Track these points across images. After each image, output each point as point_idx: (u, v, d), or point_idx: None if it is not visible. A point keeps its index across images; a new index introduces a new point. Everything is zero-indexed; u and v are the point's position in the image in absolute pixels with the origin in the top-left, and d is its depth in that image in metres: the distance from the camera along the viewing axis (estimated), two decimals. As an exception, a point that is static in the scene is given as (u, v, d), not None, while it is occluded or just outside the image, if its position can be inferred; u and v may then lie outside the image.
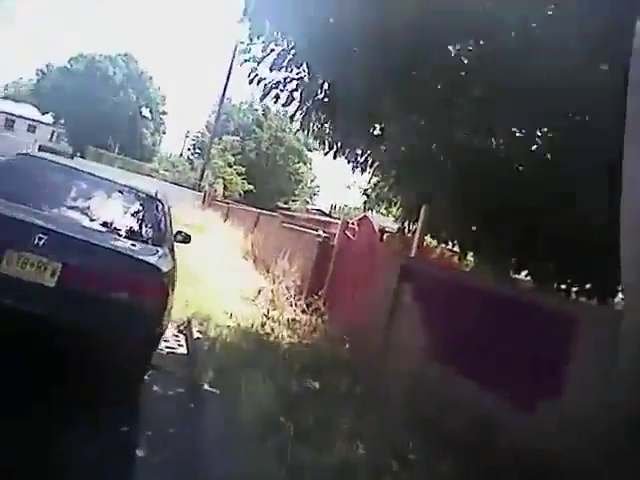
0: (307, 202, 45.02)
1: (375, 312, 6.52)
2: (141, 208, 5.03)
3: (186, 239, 6.09)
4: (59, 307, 3.65)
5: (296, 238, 11.33)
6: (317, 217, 19.30)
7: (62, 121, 48.02)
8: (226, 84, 35.12)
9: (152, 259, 4.16)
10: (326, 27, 5.35)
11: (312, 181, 46.76)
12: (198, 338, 6.21)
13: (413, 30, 4.63)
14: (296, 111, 7.25)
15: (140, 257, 4.07)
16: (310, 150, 45.58)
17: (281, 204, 35.12)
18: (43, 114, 47.93)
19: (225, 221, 19.38)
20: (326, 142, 7.67)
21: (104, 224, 4.45)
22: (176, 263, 4.78)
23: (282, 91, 7.09)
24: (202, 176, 34.13)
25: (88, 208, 4.61)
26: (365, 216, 10.17)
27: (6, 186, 4.36)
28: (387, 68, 5.23)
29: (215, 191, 30.95)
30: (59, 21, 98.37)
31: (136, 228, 4.72)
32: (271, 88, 7.10)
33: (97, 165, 35.06)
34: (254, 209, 18.50)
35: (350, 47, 5.45)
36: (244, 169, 36.74)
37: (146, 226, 4.85)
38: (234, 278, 9.76)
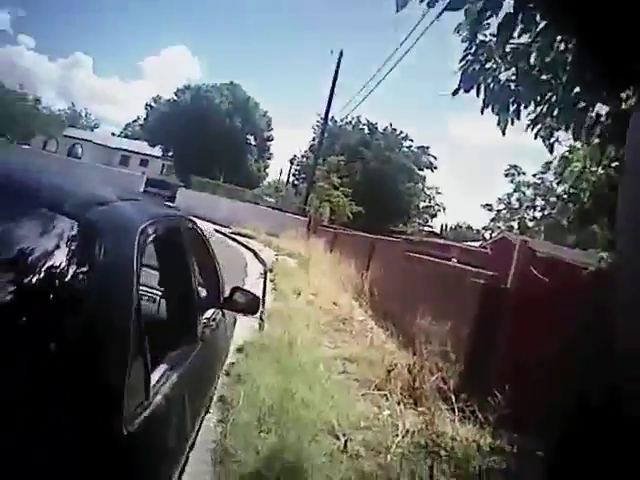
0: (420, 224, 40.85)
1: None
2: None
3: (250, 307, 2.91)
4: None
5: (432, 274, 7.63)
6: (449, 242, 15.37)
7: (170, 153, 48.41)
8: (329, 102, 32.58)
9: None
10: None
11: (428, 200, 42.37)
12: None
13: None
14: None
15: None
16: (421, 169, 41.64)
17: (394, 227, 31.49)
18: (152, 146, 48.65)
19: (331, 251, 16.06)
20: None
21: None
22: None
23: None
24: (307, 200, 31.55)
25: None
26: (504, 237, 6.37)
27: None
28: None
29: (321, 215, 28.06)
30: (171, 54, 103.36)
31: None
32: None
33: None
34: (366, 234, 14.96)
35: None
36: (351, 191, 33.58)
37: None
38: (345, 344, 6.29)
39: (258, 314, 3.84)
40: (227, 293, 3.00)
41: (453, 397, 4.74)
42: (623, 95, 3.59)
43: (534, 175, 29.58)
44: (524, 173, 30.36)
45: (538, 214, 29.69)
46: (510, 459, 3.81)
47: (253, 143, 50.69)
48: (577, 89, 3.85)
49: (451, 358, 5.24)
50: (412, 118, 73.46)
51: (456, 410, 4.59)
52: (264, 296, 7.93)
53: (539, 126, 4.36)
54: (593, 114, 4.22)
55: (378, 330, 7.72)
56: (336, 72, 31.62)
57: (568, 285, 5.10)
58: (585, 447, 3.71)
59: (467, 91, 4.18)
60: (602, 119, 4.24)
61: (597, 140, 4.56)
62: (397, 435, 3.95)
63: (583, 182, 5.72)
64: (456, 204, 75.45)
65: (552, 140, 4.67)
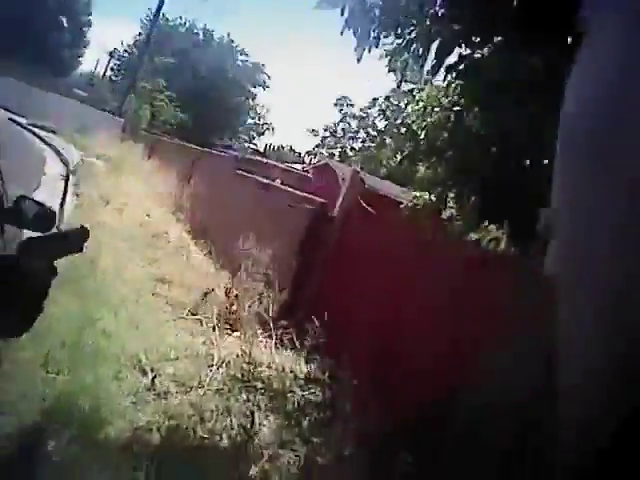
0: (246, 141, 40.10)
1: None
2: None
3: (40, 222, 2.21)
4: None
5: (258, 194, 7.30)
6: (273, 162, 15.15)
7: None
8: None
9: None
10: None
11: (257, 118, 41.30)
12: None
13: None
14: None
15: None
16: (254, 86, 40.36)
17: (219, 141, 30.39)
18: None
19: (149, 158, 14.73)
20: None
21: None
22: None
23: None
24: (125, 99, 28.57)
25: None
26: (327, 164, 6.48)
27: None
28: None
29: (140, 118, 25.69)
30: None
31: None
32: None
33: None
34: (190, 145, 13.94)
35: None
36: (177, 97, 31.18)
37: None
38: (158, 263, 5.72)
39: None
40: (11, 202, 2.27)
41: (272, 324, 4.58)
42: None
43: (361, 109, 30.73)
44: (352, 105, 31.32)
45: (359, 145, 31.12)
46: (326, 389, 3.78)
47: (65, 25, 43.66)
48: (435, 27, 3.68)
49: (273, 284, 5.05)
50: (253, 32, 69.82)
51: (274, 337, 4.44)
52: (63, 204, 6.83)
53: (395, 58, 4.18)
54: (455, 56, 4.12)
55: (196, 249, 7.21)
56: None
57: (394, 221, 5.16)
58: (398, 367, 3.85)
59: (329, 7, 3.80)
60: (462, 60, 4.16)
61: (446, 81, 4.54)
62: (212, 366, 3.65)
63: (424, 121, 5.74)
64: (282, 125, 75.55)
65: (403, 76, 4.55)
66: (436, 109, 5.06)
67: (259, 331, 4.71)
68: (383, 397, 3.49)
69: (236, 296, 4.99)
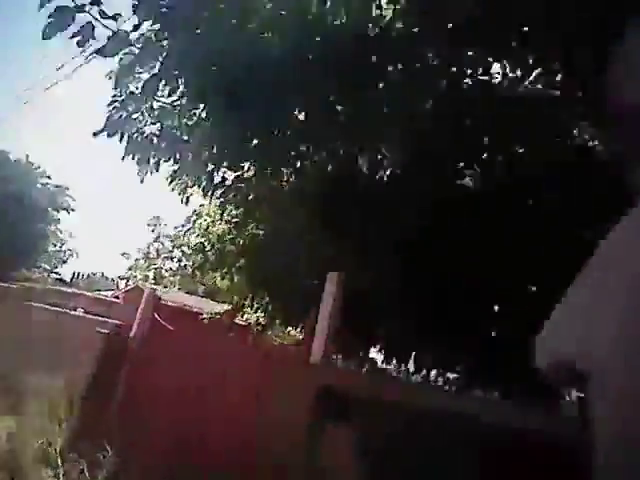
0: (47, 270, 37.14)
1: None
2: None
3: None
4: None
5: (53, 323, 6.90)
6: (78, 291, 14.30)
7: None
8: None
9: None
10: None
11: (60, 245, 38.70)
12: None
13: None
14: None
15: None
16: (57, 210, 38.31)
17: (22, 274, 27.73)
18: None
19: None
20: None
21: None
22: None
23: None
24: None
25: None
26: (137, 287, 6.64)
27: None
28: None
29: None
30: None
31: None
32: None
33: None
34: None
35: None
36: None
37: None
38: None
39: None
40: None
41: (60, 460, 4.25)
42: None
43: (175, 227, 30.89)
44: (165, 224, 31.41)
45: (175, 265, 30.84)
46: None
47: None
48: (215, 154, 4.20)
49: (61, 416, 4.73)
50: (54, 153, 67.10)
51: (61, 474, 4.12)
52: None
53: (175, 181, 4.58)
54: (219, 177, 4.68)
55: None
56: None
57: (190, 330, 5.33)
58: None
59: (110, 136, 4.11)
60: (226, 182, 4.73)
61: (220, 200, 5.05)
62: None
63: (209, 235, 6.20)
64: (92, 251, 71.56)
65: (186, 194, 4.95)
66: (218, 222, 5.56)
67: (47, 472, 4.33)
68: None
69: (20, 439, 4.56)
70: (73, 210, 39.21)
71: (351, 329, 4.01)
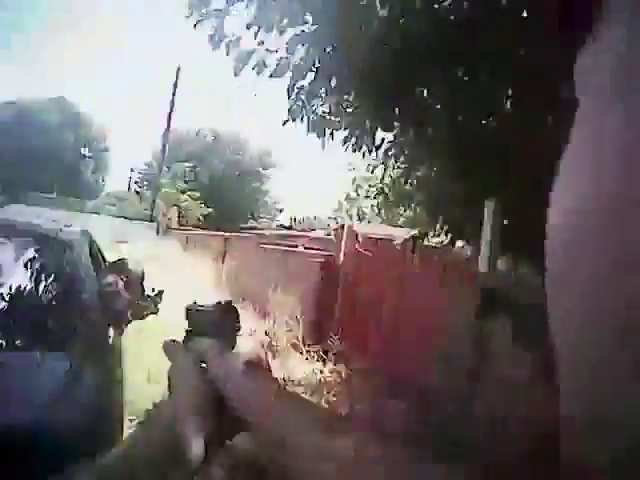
0: (269, 219, 42.72)
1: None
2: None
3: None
4: None
5: (284, 261, 9.03)
6: (296, 233, 16.95)
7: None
8: (170, 110, 32.71)
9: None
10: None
11: (274, 198, 44.38)
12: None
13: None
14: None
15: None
16: (266, 169, 43.49)
17: (243, 225, 32.71)
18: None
19: (185, 250, 16.80)
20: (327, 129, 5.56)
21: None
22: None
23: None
24: (153, 206, 31.33)
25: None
26: (343, 226, 8.06)
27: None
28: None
29: (169, 219, 28.22)
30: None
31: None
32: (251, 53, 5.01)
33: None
34: (218, 233, 16.02)
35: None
36: (199, 194, 34.11)
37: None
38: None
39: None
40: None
41: (302, 344, 6.16)
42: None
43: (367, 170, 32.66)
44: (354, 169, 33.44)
45: (374, 202, 32.82)
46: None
47: (89, 155, 48.37)
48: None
49: (298, 317, 6.68)
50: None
51: (304, 351, 6.00)
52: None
53: (347, 143, 5.74)
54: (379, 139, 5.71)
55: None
56: (175, 86, 32.04)
57: (384, 253, 6.72)
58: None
59: (294, 120, 5.52)
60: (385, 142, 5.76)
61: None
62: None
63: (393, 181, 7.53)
64: (303, 198, 78.95)
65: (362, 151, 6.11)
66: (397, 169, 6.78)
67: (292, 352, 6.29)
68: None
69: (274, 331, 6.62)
70: (272, 167, 44.29)
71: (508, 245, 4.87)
